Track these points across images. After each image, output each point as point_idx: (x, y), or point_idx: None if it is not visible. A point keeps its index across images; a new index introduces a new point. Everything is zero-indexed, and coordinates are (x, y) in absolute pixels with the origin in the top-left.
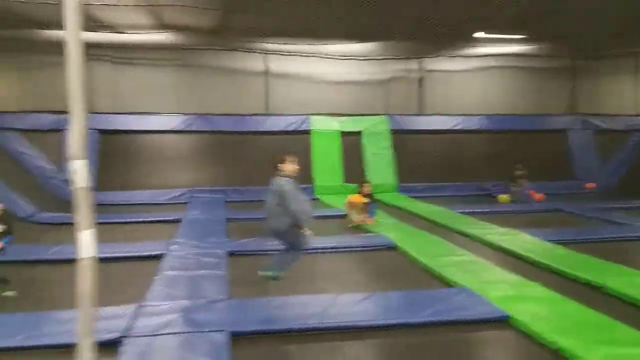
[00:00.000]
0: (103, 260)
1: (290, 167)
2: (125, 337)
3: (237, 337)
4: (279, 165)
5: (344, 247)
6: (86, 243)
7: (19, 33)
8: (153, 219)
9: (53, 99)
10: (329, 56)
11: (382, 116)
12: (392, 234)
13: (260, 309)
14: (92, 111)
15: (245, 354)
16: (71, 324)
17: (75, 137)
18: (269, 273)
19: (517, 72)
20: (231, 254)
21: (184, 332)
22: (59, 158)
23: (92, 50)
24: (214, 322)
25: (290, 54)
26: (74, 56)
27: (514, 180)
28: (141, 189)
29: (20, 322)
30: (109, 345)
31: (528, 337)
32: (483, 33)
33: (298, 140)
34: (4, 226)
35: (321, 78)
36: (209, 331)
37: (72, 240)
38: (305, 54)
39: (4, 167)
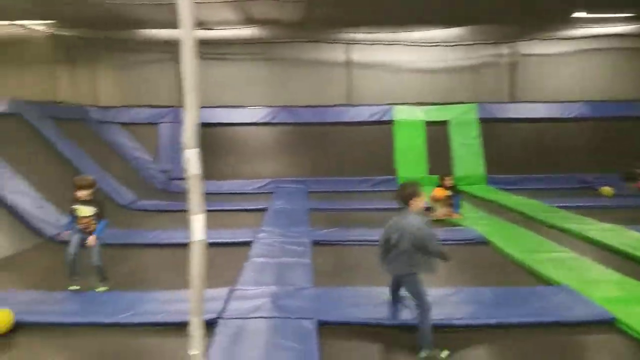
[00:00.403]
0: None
1: (421, 203)
2: (220, 318)
3: (324, 326)
4: (411, 201)
5: None
6: (197, 227)
7: (119, 34)
8: (241, 207)
9: (149, 94)
10: (413, 44)
11: (471, 104)
12: (482, 227)
13: (346, 299)
14: (182, 105)
15: (332, 343)
16: (170, 304)
17: (189, 128)
18: (424, 354)
19: (622, 55)
20: (315, 243)
21: (273, 317)
22: (155, 150)
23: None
24: (302, 310)
25: (373, 43)
26: (188, 52)
27: (633, 177)
28: (229, 179)
29: (128, 300)
30: (206, 325)
31: (636, 341)
32: (584, 12)
33: (381, 131)
34: (96, 209)
35: (405, 67)
36: (298, 318)
37: (167, 226)
38: (388, 43)
39: (108, 157)
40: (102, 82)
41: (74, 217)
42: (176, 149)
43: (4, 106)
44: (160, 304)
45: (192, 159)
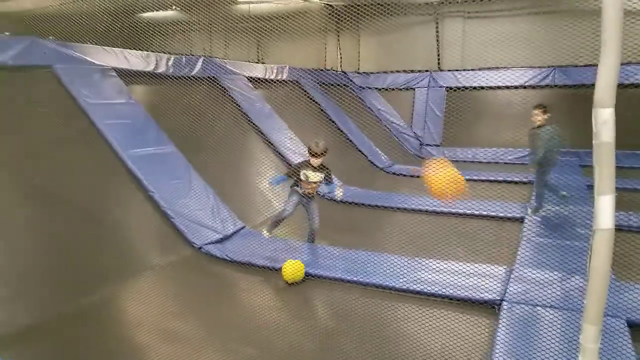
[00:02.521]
0: (460, 215)
1: None
2: (504, 300)
3: (634, 327)
4: None
5: None
6: (606, 211)
7: None
8: (500, 178)
9: (406, 59)
10: None
11: None
12: None
13: None
14: (440, 69)
15: None
16: (441, 274)
17: (604, 81)
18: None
19: None
20: None
21: (566, 309)
22: (409, 115)
23: (444, 8)
24: (608, 307)
25: None
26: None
27: None
28: (486, 146)
29: (391, 263)
30: (487, 306)
31: None
32: None
33: None
34: (325, 175)
35: None
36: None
37: (421, 191)
38: None
39: (367, 121)
40: (363, 48)
41: (297, 180)
42: (429, 115)
43: (285, 73)
44: (429, 273)
45: (607, 121)
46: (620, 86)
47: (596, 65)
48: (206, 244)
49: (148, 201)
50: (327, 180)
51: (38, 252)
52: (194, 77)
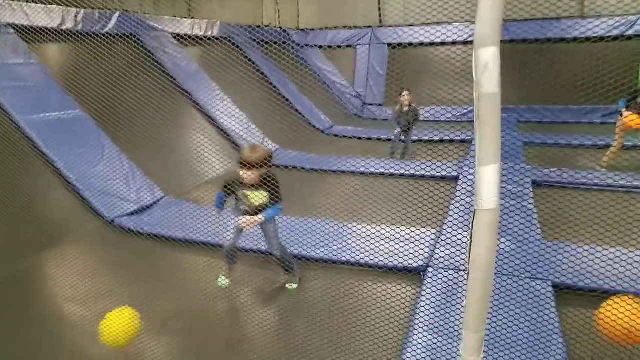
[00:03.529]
0: (395, 176)
1: None
2: (429, 267)
3: (561, 290)
4: None
5: None
6: (489, 185)
7: None
8: (440, 137)
9: (347, 15)
10: None
11: None
12: None
13: (584, 260)
14: (381, 25)
15: (571, 312)
16: (370, 240)
17: (485, 18)
18: None
19: None
20: (536, 184)
21: (496, 274)
22: (352, 73)
23: None
24: (533, 268)
25: None
26: None
27: None
28: (427, 105)
29: (325, 230)
30: (413, 273)
31: None
32: None
33: (620, 50)
34: (269, 194)
35: None
36: (528, 278)
37: (361, 154)
38: None
39: (307, 81)
40: (302, 3)
41: (236, 198)
42: (371, 74)
43: (216, 30)
44: (357, 240)
45: (488, 66)
46: (553, 41)
47: (536, 19)
48: (119, 217)
49: (51, 171)
50: (273, 202)
51: None
52: (108, 34)
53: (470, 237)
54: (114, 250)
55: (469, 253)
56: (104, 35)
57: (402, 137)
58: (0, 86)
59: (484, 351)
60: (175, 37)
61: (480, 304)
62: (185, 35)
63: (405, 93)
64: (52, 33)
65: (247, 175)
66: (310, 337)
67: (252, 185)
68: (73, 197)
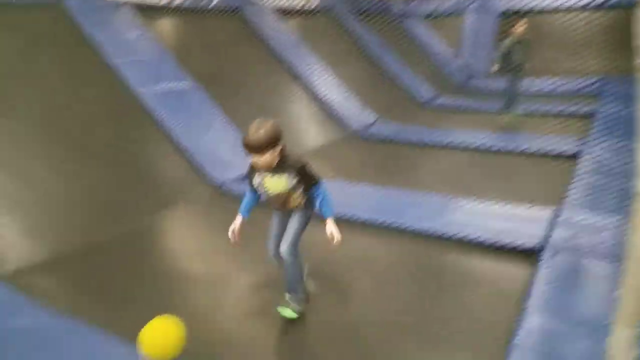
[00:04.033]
0: (509, 153)
1: None
2: (544, 247)
3: None
4: None
5: None
6: None
7: None
8: (558, 110)
9: None
10: None
11: None
12: None
13: None
14: None
15: None
16: (481, 218)
17: None
18: None
19: None
20: None
21: (618, 260)
22: (457, 44)
23: None
24: None
25: None
26: None
27: None
28: (543, 76)
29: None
30: (525, 253)
31: None
32: None
33: None
34: (296, 177)
35: None
36: None
37: (467, 127)
38: None
39: (409, 52)
40: None
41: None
42: (479, 43)
43: (316, 1)
44: (465, 215)
45: None
46: None
47: None
48: (228, 181)
49: (167, 139)
50: (306, 189)
51: (60, 189)
52: (214, 10)
53: (629, 224)
54: (223, 212)
55: (628, 241)
56: (210, 10)
57: (511, 80)
58: (122, 61)
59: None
60: (276, 11)
61: (636, 297)
62: (286, 8)
63: (522, 21)
64: (164, 9)
65: (260, 160)
66: (414, 311)
67: (270, 169)
68: (186, 163)
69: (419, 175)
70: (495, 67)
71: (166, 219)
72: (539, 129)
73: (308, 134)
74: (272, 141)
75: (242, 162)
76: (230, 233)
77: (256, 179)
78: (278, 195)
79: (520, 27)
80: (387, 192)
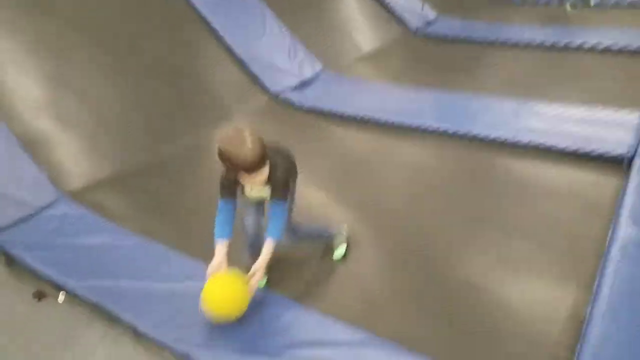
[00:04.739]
0: (584, 49)
1: None
2: (636, 156)
3: None
4: None
5: None
6: None
7: None
8: None
9: None
10: None
11: None
12: None
13: None
14: None
15: None
16: (561, 122)
17: None
18: None
19: None
20: None
21: None
22: None
23: None
24: None
25: None
26: None
27: None
28: None
29: (506, 109)
30: (614, 162)
31: None
32: None
33: None
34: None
35: None
36: None
37: (528, 20)
38: None
39: None
40: None
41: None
42: None
43: None
44: (542, 121)
45: None
46: None
47: None
48: (284, 90)
49: (220, 46)
50: (271, 197)
51: (116, 108)
52: None
53: None
54: (279, 123)
55: None
56: None
57: None
58: None
59: None
60: None
61: None
62: None
63: None
64: None
65: (258, 177)
66: (491, 224)
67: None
68: (241, 72)
69: (486, 77)
70: None
71: (221, 133)
72: (613, 21)
73: (364, 34)
74: (265, 152)
75: (298, 69)
76: (208, 273)
77: (239, 191)
78: (258, 200)
79: None
80: (452, 98)
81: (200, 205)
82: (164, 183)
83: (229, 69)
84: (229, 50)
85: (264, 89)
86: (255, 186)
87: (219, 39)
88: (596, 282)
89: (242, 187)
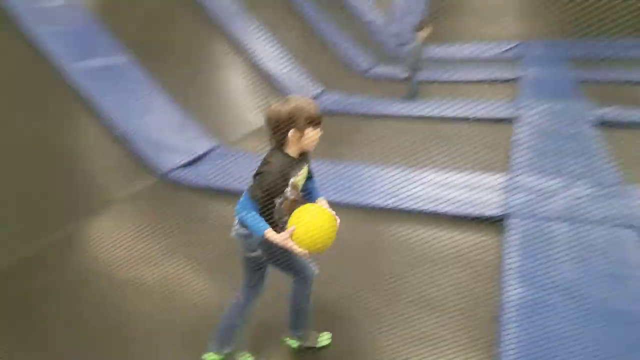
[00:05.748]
0: (443, 119)
1: None
2: (507, 215)
3: None
4: None
5: None
6: None
7: None
8: (483, 76)
9: None
10: None
11: None
12: None
13: None
14: None
15: None
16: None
17: None
18: None
19: None
20: (602, 124)
21: (578, 224)
22: (389, 10)
23: None
24: (617, 215)
25: None
26: None
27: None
28: (465, 41)
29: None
30: (489, 222)
31: None
32: None
33: None
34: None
35: None
36: (614, 226)
37: (394, 96)
38: None
39: (344, 18)
40: None
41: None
42: (410, 9)
43: None
44: (421, 188)
45: None
46: None
47: None
48: (174, 169)
49: (102, 123)
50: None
51: None
52: None
53: None
54: (169, 205)
55: None
56: None
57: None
58: (43, 31)
59: None
60: None
61: None
62: None
63: (427, 27)
64: None
65: (317, 137)
66: (397, 294)
67: (300, 160)
68: (125, 152)
69: (364, 148)
70: (406, 74)
71: (105, 219)
72: (470, 95)
73: (258, 109)
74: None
75: (188, 145)
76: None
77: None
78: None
79: (424, 32)
80: (333, 168)
81: (86, 299)
82: (44, 279)
83: (111, 148)
84: (109, 128)
85: (151, 168)
86: (303, 170)
87: (99, 114)
88: (498, 349)
89: (294, 185)
